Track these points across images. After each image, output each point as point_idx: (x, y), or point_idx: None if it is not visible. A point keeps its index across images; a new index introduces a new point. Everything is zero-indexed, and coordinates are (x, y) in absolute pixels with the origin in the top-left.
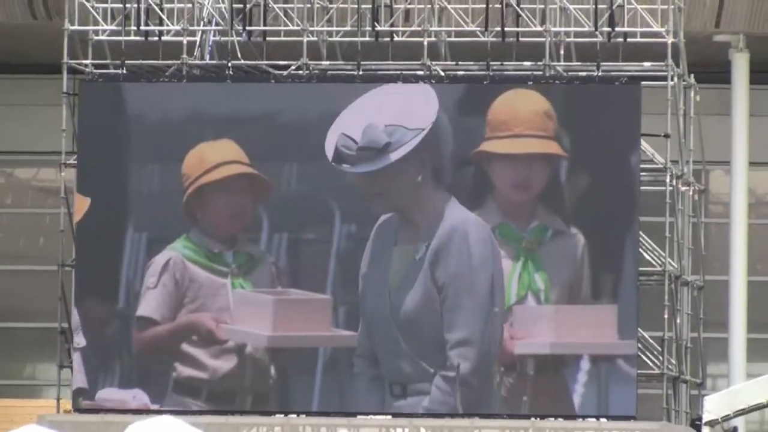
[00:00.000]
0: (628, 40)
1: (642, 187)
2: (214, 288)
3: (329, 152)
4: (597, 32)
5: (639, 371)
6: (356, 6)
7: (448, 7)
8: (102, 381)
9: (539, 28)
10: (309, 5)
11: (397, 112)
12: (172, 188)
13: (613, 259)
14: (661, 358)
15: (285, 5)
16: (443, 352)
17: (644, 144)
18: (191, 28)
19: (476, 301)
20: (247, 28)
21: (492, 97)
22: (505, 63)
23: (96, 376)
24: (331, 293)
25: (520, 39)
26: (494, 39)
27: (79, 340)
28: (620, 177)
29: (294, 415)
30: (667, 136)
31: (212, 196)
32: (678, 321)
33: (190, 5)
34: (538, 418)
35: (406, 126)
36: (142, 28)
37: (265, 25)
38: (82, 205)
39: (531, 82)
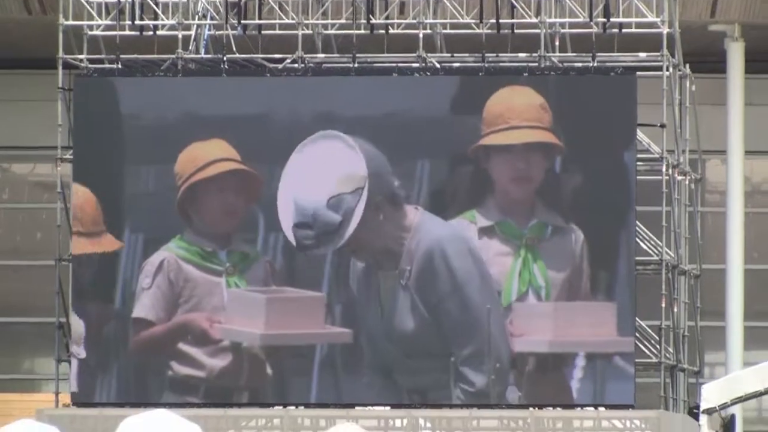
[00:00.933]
0: (624, 30)
1: (638, 177)
2: (209, 287)
3: (292, 240)
4: (592, 23)
5: (637, 360)
6: None
7: None
8: (99, 387)
9: (534, 20)
10: None
11: (331, 179)
12: (167, 188)
13: (612, 255)
14: (658, 347)
15: None
16: (456, 364)
17: (640, 134)
18: (186, 22)
19: (472, 314)
20: (242, 21)
21: (487, 92)
22: (500, 54)
23: (92, 381)
24: (326, 292)
25: (515, 30)
26: (489, 31)
27: (80, 351)
28: (616, 169)
29: (293, 407)
30: (663, 126)
31: (205, 194)
32: (675, 310)
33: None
34: (537, 408)
35: (345, 191)
36: (137, 22)
37: (260, 18)
38: (83, 197)
39: (526, 74)
